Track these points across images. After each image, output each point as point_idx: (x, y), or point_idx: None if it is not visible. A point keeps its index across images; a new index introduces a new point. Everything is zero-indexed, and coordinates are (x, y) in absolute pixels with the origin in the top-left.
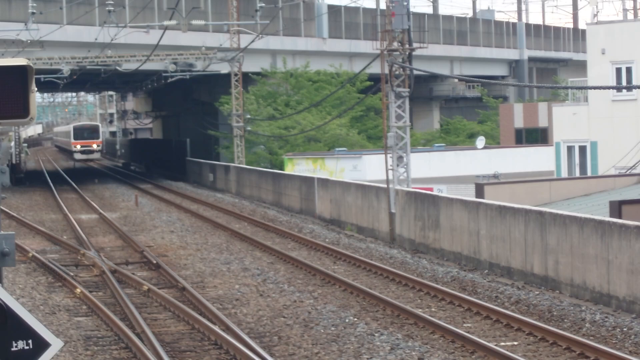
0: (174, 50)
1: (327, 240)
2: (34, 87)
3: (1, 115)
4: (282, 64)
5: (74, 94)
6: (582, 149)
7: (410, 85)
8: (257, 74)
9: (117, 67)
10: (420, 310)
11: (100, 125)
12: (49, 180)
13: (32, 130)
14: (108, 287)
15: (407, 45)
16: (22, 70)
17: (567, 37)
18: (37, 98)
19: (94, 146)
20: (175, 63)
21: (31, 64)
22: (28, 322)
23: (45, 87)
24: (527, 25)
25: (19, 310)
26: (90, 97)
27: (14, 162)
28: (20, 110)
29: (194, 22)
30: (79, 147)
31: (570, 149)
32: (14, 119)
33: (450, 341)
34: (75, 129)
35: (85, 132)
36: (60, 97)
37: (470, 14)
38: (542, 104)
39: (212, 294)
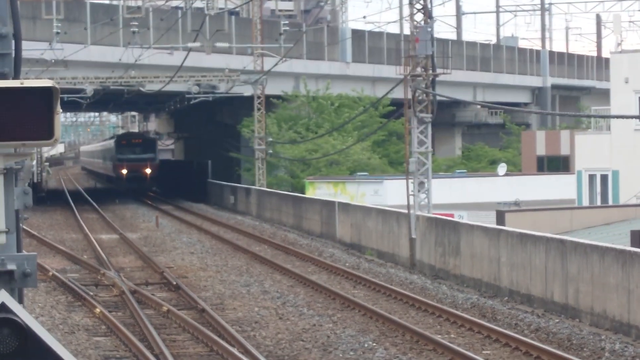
0: (197, 72)
1: (347, 264)
2: (59, 109)
3: (26, 136)
4: (304, 86)
5: (96, 114)
6: (604, 178)
7: (432, 110)
8: (280, 97)
9: (140, 88)
10: (440, 336)
11: (156, 138)
12: (70, 200)
13: (54, 149)
14: (127, 308)
15: (430, 71)
16: (47, 92)
17: (591, 65)
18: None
19: (147, 171)
20: (198, 85)
21: (57, 85)
22: (48, 343)
23: (68, 106)
24: (551, 53)
25: (39, 331)
26: (113, 118)
27: (35, 181)
28: (45, 131)
29: (218, 44)
30: (125, 171)
31: (592, 177)
32: (38, 141)
33: None
34: (120, 143)
35: (137, 149)
36: (83, 116)
37: (494, 41)
38: (565, 131)
39: (232, 316)
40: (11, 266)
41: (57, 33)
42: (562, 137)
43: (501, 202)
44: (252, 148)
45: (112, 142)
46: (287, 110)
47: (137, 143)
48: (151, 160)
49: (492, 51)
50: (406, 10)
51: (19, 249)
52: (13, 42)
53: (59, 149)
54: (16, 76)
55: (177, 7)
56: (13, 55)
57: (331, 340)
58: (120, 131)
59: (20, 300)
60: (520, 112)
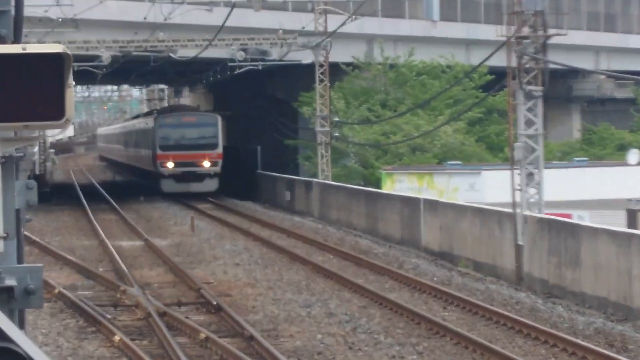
0: (243, 34)
1: (435, 279)
2: (71, 81)
3: (30, 116)
4: (379, 52)
5: (114, 88)
6: None
7: (544, 82)
8: (349, 64)
9: (171, 54)
10: None
11: (218, 117)
12: (81, 196)
13: (63, 132)
14: (155, 334)
15: (540, 32)
16: (56, 59)
17: None
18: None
19: (206, 164)
20: (244, 50)
21: (68, 51)
22: None
23: (80, 78)
24: None
25: None
26: (135, 92)
27: (37, 172)
28: (54, 110)
29: None
30: (171, 165)
31: None
32: (45, 122)
33: None
34: (164, 122)
35: (191, 130)
36: (97, 91)
37: None
38: None
39: (288, 346)
40: (10, 281)
41: None
42: None
43: (633, 199)
44: (313, 130)
45: (150, 121)
46: (358, 80)
47: (191, 122)
48: (212, 147)
49: (619, 6)
50: None
51: (19, 260)
52: None
53: (68, 132)
54: (16, 39)
55: None
56: (13, 13)
57: None
58: (144, 109)
59: (22, 325)
60: None
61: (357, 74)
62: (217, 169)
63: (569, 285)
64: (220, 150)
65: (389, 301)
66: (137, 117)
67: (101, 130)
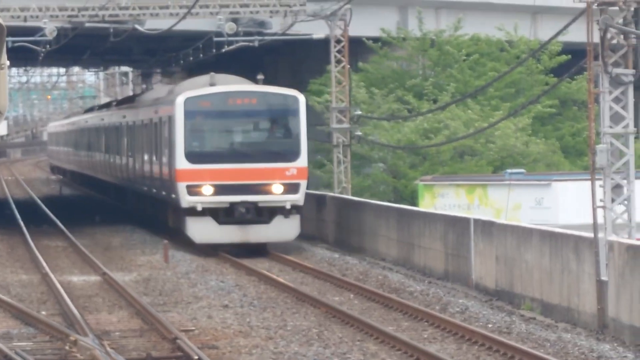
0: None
1: (489, 325)
2: (4, 61)
3: None
4: (416, 23)
5: (62, 71)
6: None
7: (636, 63)
8: (375, 40)
9: (137, 26)
10: None
11: (300, 98)
12: (18, 216)
13: None
14: None
15: None
16: None
17: None
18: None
19: (277, 189)
20: (235, 20)
21: (0, 21)
22: None
23: (16, 57)
24: None
25: None
26: (89, 77)
27: None
28: None
29: None
30: (208, 190)
31: None
32: None
33: None
34: (190, 106)
35: (242, 123)
36: (39, 75)
37: None
38: None
39: None
40: None
41: None
42: None
43: None
44: (327, 129)
45: (164, 107)
46: (388, 60)
47: (247, 108)
48: (289, 156)
49: None
50: None
51: None
52: None
53: (0, 129)
54: None
55: None
56: None
57: None
58: (102, 100)
59: None
60: None
61: (386, 52)
62: (298, 197)
63: None
64: (304, 162)
65: (429, 355)
66: (128, 99)
67: (54, 127)
